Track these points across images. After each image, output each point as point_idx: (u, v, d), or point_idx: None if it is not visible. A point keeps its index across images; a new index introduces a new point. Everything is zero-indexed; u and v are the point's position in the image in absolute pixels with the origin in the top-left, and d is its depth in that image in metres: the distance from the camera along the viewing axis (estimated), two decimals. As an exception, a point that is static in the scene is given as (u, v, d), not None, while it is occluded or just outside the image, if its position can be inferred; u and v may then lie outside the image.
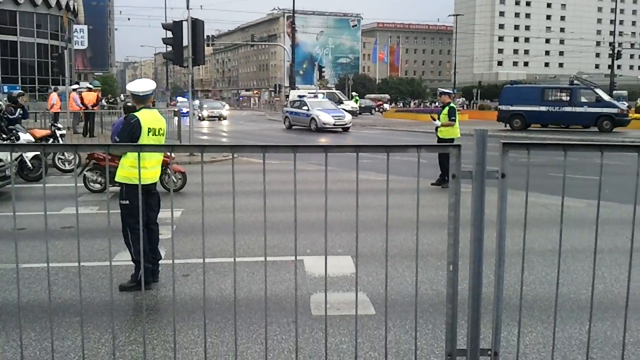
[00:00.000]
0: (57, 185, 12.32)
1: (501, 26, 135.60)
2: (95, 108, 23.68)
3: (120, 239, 5.88)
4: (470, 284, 3.12)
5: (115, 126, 9.08)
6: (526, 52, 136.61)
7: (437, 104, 62.49)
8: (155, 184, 6.11)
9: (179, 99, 66.74)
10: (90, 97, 23.70)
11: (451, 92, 14.36)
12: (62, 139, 14.83)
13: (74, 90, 24.06)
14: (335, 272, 6.23)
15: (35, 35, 65.62)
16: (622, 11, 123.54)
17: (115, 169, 5.97)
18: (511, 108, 30.89)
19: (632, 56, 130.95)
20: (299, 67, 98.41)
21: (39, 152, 12.34)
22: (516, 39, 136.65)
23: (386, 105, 70.94)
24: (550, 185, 11.16)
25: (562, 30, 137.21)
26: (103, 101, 34.11)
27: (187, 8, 20.71)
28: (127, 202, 5.72)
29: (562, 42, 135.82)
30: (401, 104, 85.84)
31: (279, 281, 6.01)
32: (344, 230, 7.88)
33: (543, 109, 30.19)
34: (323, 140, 25.79)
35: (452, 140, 12.55)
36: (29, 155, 12.74)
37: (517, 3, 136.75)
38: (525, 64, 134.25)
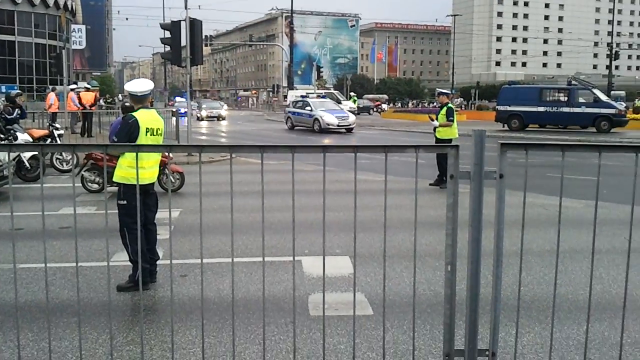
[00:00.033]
0: (55, 185, 12.31)
1: (499, 26, 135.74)
2: (93, 108, 23.65)
3: (118, 239, 5.87)
4: (468, 284, 3.12)
5: (113, 126, 9.06)
6: (524, 52, 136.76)
7: (435, 104, 62.51)
8: (153, 184, 6.11)
9: (178, 99, 66.64)
10: (88, 97, 23.67)
11: (449, 92, 14.36)
12: (60, 139, 14.81)
13: (72, 90, 24.05)
14: (333, 273, 6.23)
15: (33, 35, 65.53)
16: (620, 12, 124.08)
17: (113, 169, 5.96)
18: (509, 108, 30.92)
19: (629, 57, 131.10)
20: (297, 67, 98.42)
21: (36, 152, 12.33)
22: (514, 40, 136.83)
23: (384, 106, 70.94)
24: (548, 186, 11.18)
25: (560, 30, 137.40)
26: (101, 101, 34.08)
27: (185, 8, 20.75)
28: (125, 202, 5.71)
29: (560, 42, 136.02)
30: (399, 104, 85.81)
31: (277, 281, 6.01)
32: (342, 231, 7.88)
33: (541, 109, 30.22)
34: (327, 141, 25.75)
35: (450, 140, 12.56)
36: (26, 155, 12.72)
37: (515, 3, 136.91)
38: (523, 64, 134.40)
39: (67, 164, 14.21)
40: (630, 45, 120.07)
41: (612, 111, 29.43)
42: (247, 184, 10.93)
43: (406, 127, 35.09)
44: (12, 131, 13.42)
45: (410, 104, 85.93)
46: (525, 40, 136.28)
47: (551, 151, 3.22)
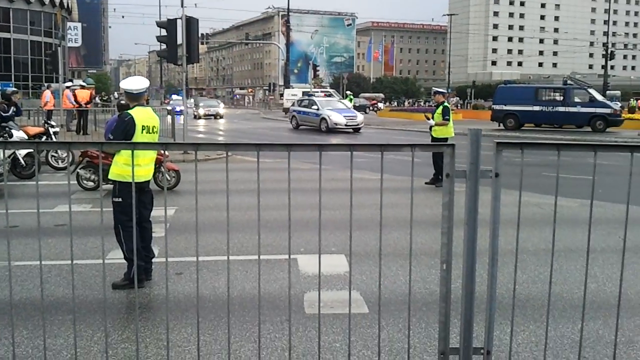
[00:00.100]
0: (50, 182, 12.28)
1: (495, 26, 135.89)
2: (88, 106, 23.61)
3: (113, 237, 5.87)
4: (463, 282, 3.13)
5: (109, 124, 9.06)
6: (520, 52, 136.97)
7: (431, 103, 62.58)
8: (148, 181, 6.10)
9: (174, 97, 66.50)
10: (83, 95, 23.61)
11: (445, 91, 14.38)
12: (55, 137, 14.78)
13: (68, 87, 23.98)
14: (329, 271, 6.24)
15: (28, 33, 65.32)
16: (615, 12, 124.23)
17: (108, 166, 5.95)
18: (505, 108, 30.98)
19: (625, 57, 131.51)
20: (293, 66, 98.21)
21: (32, 150, 12.29)
22: (510, 39, 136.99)
23: (380, 105, 71.01)
24: (544, 185, 11.20)
25: (556, 30, 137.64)
26: (97, 99, 34.01)
27: (182, 6, 20.67)
28: (120, 199, 5.71)
29: (555, 42, 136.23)
30: (395, 103, 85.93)
31: (272, 280, 6.01)
32: (337, 229, 7.88)
33: (536, 108, 30.29)
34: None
35: (446, 139, 12.57)
36: (22, 152, 12.69)
37: (511, 3, 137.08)
38: (519, 63, 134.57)
39: (62, 162, 14.18)
40: (625, 45, 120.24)
41: (608, 111, 29.52)
42: (243, 182, 10.94)
43: (402, 126, 35.12)
44: (7, 128, 13.37)
45: (406, 103, 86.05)
46: (521, 39, 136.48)
47: (547, 150, 3.23)
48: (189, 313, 5.05)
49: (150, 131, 5.97)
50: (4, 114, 13.85)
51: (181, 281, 6.01)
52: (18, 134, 13.45)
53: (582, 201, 9.85)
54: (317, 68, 68.68)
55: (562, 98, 30.07)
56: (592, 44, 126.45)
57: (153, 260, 6.08)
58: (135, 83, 6.01)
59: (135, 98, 5.98)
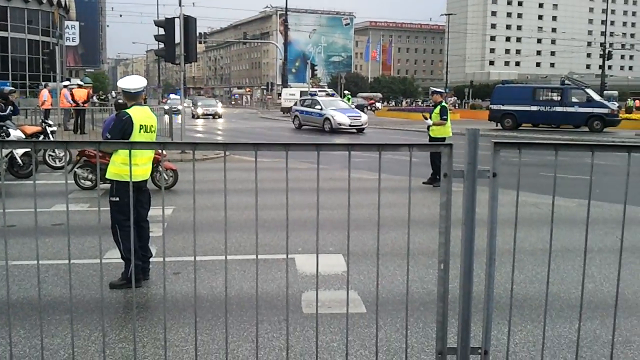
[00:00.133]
0: (48, 182, 12.26)
1: (493, 26, 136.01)
2: (86, 105, 23.59)
3: (111, 236, 5.86)
4: (461, 282, 3.13)
5: (107, 123, 9.04)
6: (518, 51, 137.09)
7: (429, 103, 62.62)
8: (146, 181, 6.09)
9: (172, 96, 66.38)
10: (80, 94, 23.59)
11: (443, 91, 14.41)
12: (52, 136, 14.75)
13: (65, 86, 23.95)
14: (327, 271, 6.24)
15: (26, 31, 65.25)
16: (613, 12, 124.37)
17: (106, 166, 5.94)
18: (502, 107, 31.02)
19: (622, 57, 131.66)
20: (291, 65, 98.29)
21: (29, 149, 12.27)
22: (508, 39, 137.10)
23: (378, 104, 71.04)
24: (541, 185, 11.22)
25: (553, 30, 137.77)
26: (94, 98, 33.99)
27: (180, 5, 20.67)
28: (117, 199, 5.70)
29: (553, 42, 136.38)
30: (393, 103, 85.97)
31: (270, 279, 6.01)
32: (335, 229, 7.88)
33: (534, 108, 30.33)
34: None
35: (443, 139, 12.58)
36: (19, 151, 12.67)
37: (509, 3, 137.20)
38: (517, 63, 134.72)
39: (59, 161, 14.16)
40: (623, 46, 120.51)
41: (605, 111, 29.58)
42: (240, 181, 10.92)
43: (400, 125, 35.13)
44: (4, 127, 13.36)
45: (404, 103, 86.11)
46: (519, 39, 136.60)
47: (544, 150, 3.23)
48: (187, 313, 5.05)
49: (148, 130, 5.96)
50: (1, 113, 13.84)
51: (179, 281, 6.00)
52: (15, 133, 13.43)
53: (580, 201, 9.87)
54: (315, 67, 68.54)
55: (559, 98, 30.13)
56: (589, 44, 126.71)
57: (150, 259, 6.08)
58: (133, 82, 6.00)
59: (133, 97, 5.97)
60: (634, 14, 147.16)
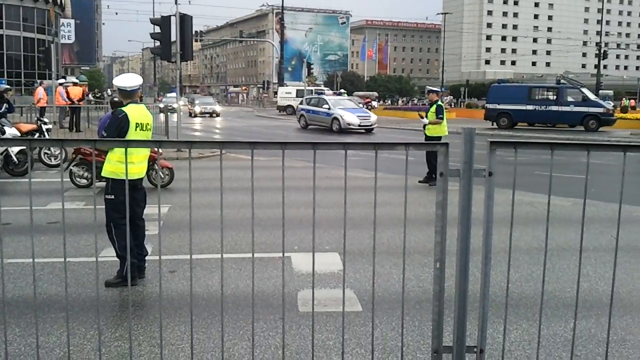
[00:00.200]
0: (43, 180, 12.23)
1: (489, 25, 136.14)
2: (81, 103, 23.53)
3: (107, 234, 5.85)
4: (456, 281, 3.13)
5: (103, 121, 9.01)
6: (514, 51, 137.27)
7: (424, 102, 62.65)
8: (141, 179, 6.09)
9: (169, 95, 66.19)
10: (75, 92, 23.53)
11: (439, 90, 14.42)
12: (48, 134, 14.71)
13: (61, 84, 23.89)
14: (323, 269, 6.24)
15: (21, 29, 65.00)
16: (608, 11, 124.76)
17: (101, 164, 5.93)
18: (498, 107, 31.09)
19: (618, 56, 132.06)
20: (287, 64, 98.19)
21: (24, 147, 12.23)
22: (504, 38, 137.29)
23: (374, 103, 70.99)
24: (537, 184, 11.24)
25: (549, 29, 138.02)
26: (90, 96, 33.91)
27: (176, 3, 20.66)
28: (113, 197, 5.69)
29: (549, 41, 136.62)
30: (389, 102, 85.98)
31: (266, 278, 6.01)
32: (331, 227, 7.88)
33: (530, 107, 30.40)
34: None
35: (439, 138, 12.60)
36: (14, 149, 12.64)
37: (505, 2, 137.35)
38: (513, 62, 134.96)
39: (55, 159, 14.13)
40: (618, 45, 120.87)
41: (600, 110, 29.67)
42: (236, 180, 10.94)
43: (396, 124, 35.14)
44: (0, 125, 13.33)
45: (400, 102, 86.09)
46: (514, 39, 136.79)
47: (540, 149, 3.24)
48: (183, 311, 5.04)
49: (144, 128, 5.95)
50: (-4, 111, 13.79)
51: (175, 279, 6.00)
52: (11, 131, 13.40)
53: (575, 200, 9.89)
54: (311, 66, 68.58)
55: (555, 97, 30.19)
56: (585, 43, 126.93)
57: (146, 258, 6.07)
58: (129, 80, 5.99)
59: (129, 95, 5.96)
60: (629, 13, 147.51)
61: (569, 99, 29.96)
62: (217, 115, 46.21)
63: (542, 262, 3.35)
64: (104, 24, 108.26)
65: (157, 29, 17.62)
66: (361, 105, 38.48)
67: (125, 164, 3.39)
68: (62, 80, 25.43)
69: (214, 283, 5.80)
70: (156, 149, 6.65)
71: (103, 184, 5.96)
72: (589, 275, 6.22)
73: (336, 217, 8.05)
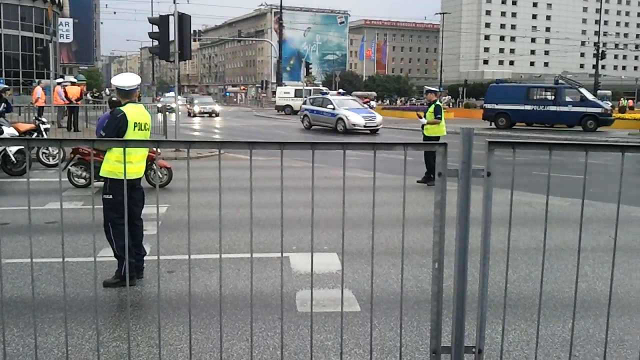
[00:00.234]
0: (41, 180, 12.22)
1: (487, 25, 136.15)
2: (79, 102, 23.50)
3: (104, 234, 5.84)
4: (455, 281, 3.14)
5: (101, 120, 9.02)
6: (512, 51, 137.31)
7: (423, 101, 62.65)
8: (139, 179, 6.08)
9: (168, 94, 66.10)
10: (73, 91, 23.51)
11: (437, 90, 14.41)
12: (46, 133, 14.70)
13: (59, 84, 23.87)
14: (321, 269, 6.24)
15: (19, 28, 64.93)
16: (606, 12, 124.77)
17: (100, 163, 5.92)
18: (496, 107, 31.11)
19: (616, 56, 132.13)
20: (286, 64, 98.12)
21: (22, 147, 12.23)
22: (502, 38, 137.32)
23: (373, 103, 70.96)
24: (535, 184, 11.25)
25: (547, 29, 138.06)
26: (88, 95, 33.86)
27: (174, 2, 20.64)
28: (111, 196, 5.68)
29: (547, 41, 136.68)
30: (388, 102, 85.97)
31: (264, 278, 6.01)
32: (330, 227, 7.88)
33: (528, 107, 30.42)
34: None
35: (438, 138, 12.61)
36: (12, 149, 12.62)
37: (503, 2, 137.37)
38: (511, 62, 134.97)
39: (53, 159, 14.12)
40: (616, 45, 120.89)
41: (599, 110, 29.69)
42: (235, 179, 10.93)
43: (394, 124, 35.13)
44: (-3, 125, 13.31)
45: (398, 102, 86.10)
46: (513, 39, 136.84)
47: (538, 150, 3.24)
48: (181, 311, 5.04)
49: (142, 128, 5.95)
50: (-6, 111, 13.78)
51: (173, 279, 5.99)
52: (9, 131, 13.38)
53: (573, 200, 9.90)
54: (310, 66, 68.52)
55: (553, 97, 30.21)
56: (583, 43, 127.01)
57: (145, 258, 6.06)
58: (127, 80, 5.98)
59: (127, 95, 5.95)
60: (627, 14, 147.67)
61: (567, 99, 29.99)
62: (217, 115, 45.88)
63: (540, 262, 3.36)
64: (102, 23, 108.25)
65: (156, 29, 17.61)
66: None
67: (124, 163, 3.39)
68: (60, 80, 25.41)
69: (213, 283, 5.80)
70: (154, 149, 6.64)
71: (101, 183, 5.95)
72: (587, 275, 6.22)
73: (335, 217, 8.06)
